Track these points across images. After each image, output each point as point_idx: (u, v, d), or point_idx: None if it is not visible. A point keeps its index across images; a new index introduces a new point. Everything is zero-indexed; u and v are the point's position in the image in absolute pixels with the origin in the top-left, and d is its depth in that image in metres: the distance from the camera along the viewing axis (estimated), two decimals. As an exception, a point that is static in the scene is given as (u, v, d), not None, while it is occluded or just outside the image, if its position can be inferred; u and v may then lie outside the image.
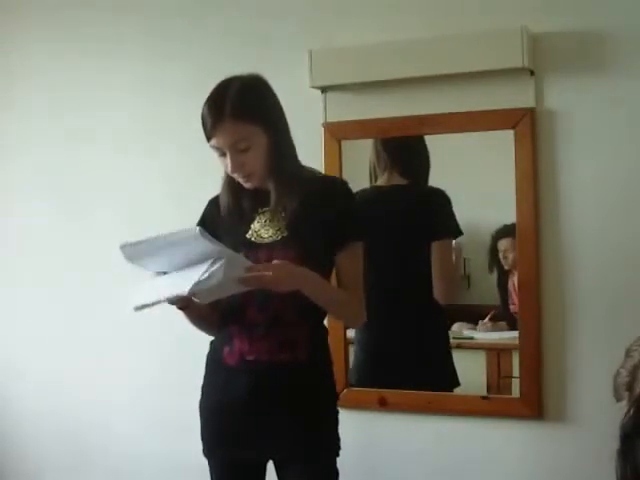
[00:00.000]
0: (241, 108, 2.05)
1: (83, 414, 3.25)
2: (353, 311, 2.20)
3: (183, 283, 1.93)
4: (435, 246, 2.75)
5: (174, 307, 2.12)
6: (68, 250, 3.24)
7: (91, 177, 3.19)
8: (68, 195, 3.24)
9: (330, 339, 2.65)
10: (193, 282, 1.90)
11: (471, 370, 2.77)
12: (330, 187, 2.20)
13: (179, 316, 2.21)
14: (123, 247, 2.00)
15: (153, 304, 2.00)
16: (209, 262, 1.91)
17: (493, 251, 2.78)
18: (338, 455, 2.20)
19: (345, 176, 2.74)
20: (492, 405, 2.63)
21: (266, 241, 2.13)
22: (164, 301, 1.99)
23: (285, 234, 2.11)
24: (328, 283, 2.12)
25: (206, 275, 1.90)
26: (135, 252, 2.00)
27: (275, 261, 2.04)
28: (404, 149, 2.79)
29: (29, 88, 3.31)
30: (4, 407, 3.38)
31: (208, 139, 2.09)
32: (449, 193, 2.69)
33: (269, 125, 2.11)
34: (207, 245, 1.91)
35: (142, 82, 3.11)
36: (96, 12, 3.17)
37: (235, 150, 2.06)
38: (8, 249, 3.37)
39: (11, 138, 3.35)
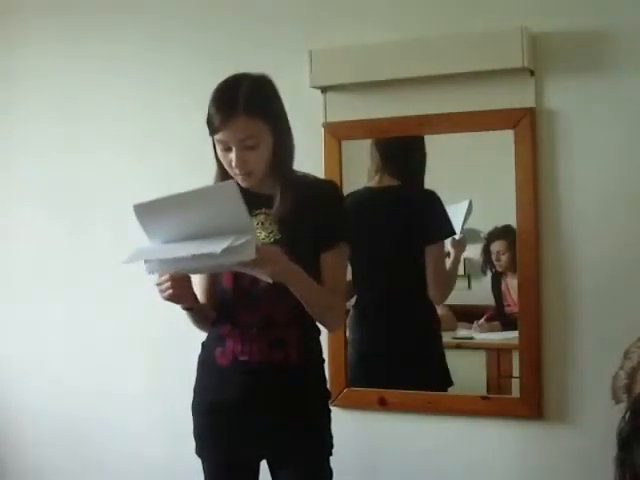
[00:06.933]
0: (255, 105, 2.05)
1: (83, 415, 3.25)
2: (332, 312, 2.20)
3: (210, 245, 1.85)
4: (428, 251, 2.76)
5: (177, 308, 2.14)
6: (68, 252, 3.25)
7: (90, 182, 3.19)
8: (67, 199, 3.24)
9: (330, 339, 2.68)
10: (224, 245, 1.82)
11: (471, 370, 2.78)
12: (321, 190, 2.19)
13: (179, 317, 2.23)
14: (137, 206, 1.90)
15: (175, 261, 1.90)
16: (235, 235, 1.85)
17: (486, 252, 2.79)
18: (331, 454, 2.21)
19: (345, 176, 2.76)
20: (492, 405, 2.63)
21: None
22: (190, 258, 1.88)
23: (278, 237, 2.12)
24: (312, 280, 2.10)
25: (238, 243, 1.84)
26: (151, 211, 1.90)
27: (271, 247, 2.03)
28: (396, 150, 2.79)
29: (28, 92, 3.30)
30: (4, 408, 3.39)
31: (215, 132, 2.08)
32: (449, 193, 2.70)
33: (277, 126, 2.11)
34: (238, 206, 1.84)
35: (142, 84, 3.10)
36: (95, 14, 3.17)
37: (242, 146, 2.06)
38: (8, 251, 3.38)
39: (10, 142, 3.35)
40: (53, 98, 3.25)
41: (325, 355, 2.30)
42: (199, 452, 2.26)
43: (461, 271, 2.82)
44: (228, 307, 2.18)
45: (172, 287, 2.02)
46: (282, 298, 2.07)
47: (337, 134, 2.77)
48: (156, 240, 1.97)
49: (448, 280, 2.80)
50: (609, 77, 2.47)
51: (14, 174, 3.35)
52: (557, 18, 2.51)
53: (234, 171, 2.11)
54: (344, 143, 2.77)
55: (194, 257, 1.88)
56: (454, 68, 2.54)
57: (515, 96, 2.55)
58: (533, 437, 2.61)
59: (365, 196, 2.81)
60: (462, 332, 2.83)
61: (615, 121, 2.49)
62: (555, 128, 2.54)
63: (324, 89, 2.76)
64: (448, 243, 2.78)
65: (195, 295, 2.15)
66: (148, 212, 1.92)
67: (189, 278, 2.08)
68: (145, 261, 1.97)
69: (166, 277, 2.02)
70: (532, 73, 2.52)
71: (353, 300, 2.82)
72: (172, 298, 2.05)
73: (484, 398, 2.65)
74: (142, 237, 1.99)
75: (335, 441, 2.21)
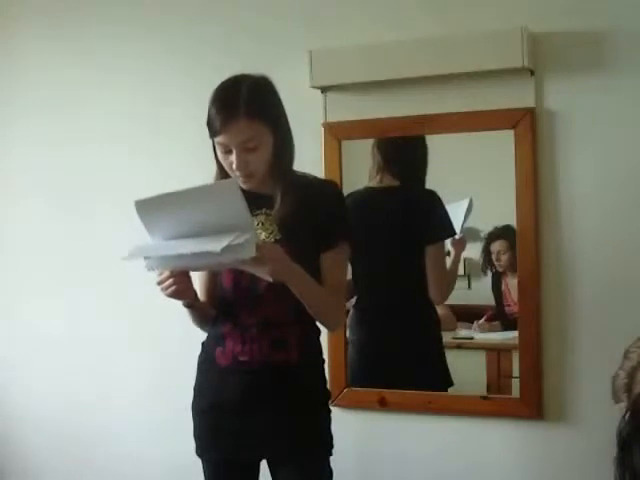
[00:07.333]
0: (256, 107, 2.06)
1: (83, 416, 3.25)
2: (332, 312, 2.20)
3: (211, 243, 1.85)
4: (428, 250, 2.76)
5: (178, 308, 2.14)
6: (68, 250, 3.24)
7: (91, 177, 3.19)
8: (68, 195, 3.24)
9: (330, 339, 2.68)
10: (224, 244, 1.83)
11: (471, 370, 2.78)
12: (321, 190, 2.20)
13: (179, 317, 2.23)
14: (139, 202, 1.91)
15: (175, 258, 1.92)
16: (235, 233, 1.86)
17: (486, 252, 2.79)
18: (331, 454, 2.21)
19: (345, 176, 2.76)
20: (492, 405, 2.63)
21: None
22: (190, 256, 1.89)
23: (278, 237, 2.12)
24: (313, 280, 2.11)
25: (238, 241, 1.84)
26: (151, 208, 1.91)
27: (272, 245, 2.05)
28: (397, 150, 2.79)
29: (29, 87, 3.30)
30: (4, 408, 3.38)
31: (215, 135, 2.08)
32: (448, 193, 2.70)
33: (277, 127, 2.12)
34: (238, 204, 1.85)
35: (142, 81, 3.10)
36: (96, 10, 3.17)
37: (243, 148, 2.06)
38: (8, 248, 3.37)
39: (11, 137, 3.35)
40: (53, 94, 3.24)
41: (325, 355, 2.30)
42: (199, 452, 2.26)
43: (461, 271, 2.83)
44: (228, 307, 2.18)
45: (175, 283, 2.03)
46: (282, 298, 2.07)
47: (337, 134, 2.77)
48: (156, 237, 1.98)
49: (448, 280, 2.80)
50: (609, 77, 2.47)
51: (14, 170, 3.34)
52: (557, 18, 2.52)
53: (235, 173, 2.11)
54: (344, 143, 2.77)
55: (194, 255, 1.88)
56: (454, 68, 2.54)
57: (515, 96, 2.54)
58: (533, 437, 2.61)
59: (366, 196, 2.81)
60: (462, 332, 2.83)
61: (615, 121, 2.48)
62: (555, 128, 2.54)
63: (324, 89, 2.76)
64: (448, 242, 2.79)
65: (195, 292, 2.15)
66: (149, 208, 1.92)
67: (188, 273, 2.08)
68: (145, 258, 1.97)
69: (167, 274, 2.03)
70: (532, 73, 2.52)
71: (353, 300, 2.82)
72: (175, 294, 2.05)
73: (484, 398, 2.65)
74: (143, 234, 1.99)
75: (335, 441, 2.21)
